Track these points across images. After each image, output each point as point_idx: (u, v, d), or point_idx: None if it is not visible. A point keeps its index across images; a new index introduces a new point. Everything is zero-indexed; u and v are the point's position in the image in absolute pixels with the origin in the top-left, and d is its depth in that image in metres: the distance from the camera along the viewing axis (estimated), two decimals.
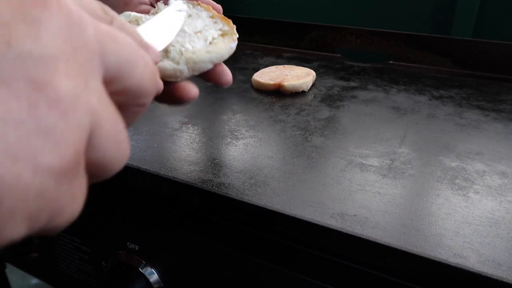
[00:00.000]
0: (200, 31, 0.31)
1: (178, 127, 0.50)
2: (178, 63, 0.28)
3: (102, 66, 0.16)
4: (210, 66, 0.30)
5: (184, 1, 0.35)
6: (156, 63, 0.21)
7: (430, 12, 0.81)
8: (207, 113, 0.54)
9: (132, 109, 0.19)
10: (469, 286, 0.28)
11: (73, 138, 0.14)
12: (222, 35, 0.32)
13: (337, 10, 0.89)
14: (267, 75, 0.64)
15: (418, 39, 0.74)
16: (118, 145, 0.17)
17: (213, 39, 0.31)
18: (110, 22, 0.19)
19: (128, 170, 0.40)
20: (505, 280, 0.27)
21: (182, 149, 0.44)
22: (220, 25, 0.33)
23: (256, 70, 0.67)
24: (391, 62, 0.77)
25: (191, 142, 0.46)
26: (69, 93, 0.14)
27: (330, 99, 0.59)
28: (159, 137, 0.47)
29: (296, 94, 0.60)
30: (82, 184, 0.16)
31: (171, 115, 0.53)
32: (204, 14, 0.34)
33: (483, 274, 0.27)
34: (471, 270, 0.28)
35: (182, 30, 0.30)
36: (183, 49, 0.28)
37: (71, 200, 0.15)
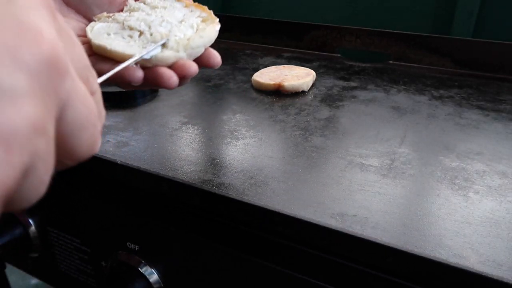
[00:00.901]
0: (183, 20, 0.33)
1: (178, 127, 0.50)
2: (177, 51, 0.31)
3: (58, 114, 0.16)
4: (203, 50, 0.32)
5: None
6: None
7: (430, 12, 0.81)
8: (207, 113, 0.54)
9: (63, 161, 0.19)
10: (469, 286, 0.28)
11: (7, 178, 0.14)
12: (203, 20, 0.34)
13: (337, 10, 0.89)
14: (267, 75, 0.64)
15: (418, 39, 0.74)
16: (41, 186, 0.17)
17: (198, 26, 0.33)
18: (87, 82, 0.19)
19: (128, 170, 0.40)
20: (505, 280, 0.27)
21: (182, 149, 0.44)
22: (197, 12, 0.35)
23: (256, 70, 0.67)
24: (391, 62, 0.77)
25: (191, 142, 0.46)
26: (24, 133, 0.14)
27: (330, 99, 0.59)
28: (159, 137, 0.47)
29: (296, 94, 0.60)
30: None
31: (171, 115, 0.53)
32: (178, 5, 0.36)
33: (483, 274, 0.27)
34: (471, 270, 0.28)
35: (167, 22, 0.33)
36: (177, 38, 0.31)
37: None
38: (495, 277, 0.27)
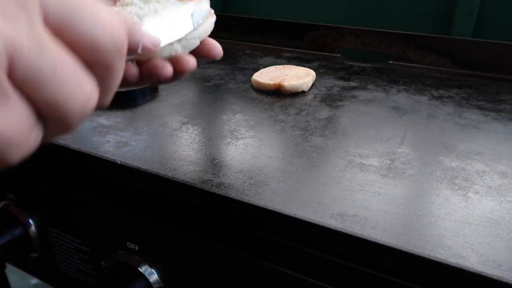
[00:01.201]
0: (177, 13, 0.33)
1: (178, 127, 0.50)
2: (171, 43, 0.30)
3: (41, 8, 0.16)
4: (198, 42, 0.32)
5: None
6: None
7: (430, 12, 0.81)
8: (207, 113, 0.54)
9: (98, 71, 0.19)
10: (469, 286, 0.28)
11: None
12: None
13: (337, 10, 0.89)
14: (267, 75, 0.64)
15: (418, 39, 0.74)
16: (63, 83, 0.17)
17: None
18: None
19: (128, 170, 0.40)
20: (505, 280, 0.27)
21: (182, 149, 0.44)
22: (191, 5, 0.34)
23: (256, 70, 0.68)
24: (391, 62, 0.77)
25: (191, 142, 0.46)
26: None
27: (330, 99, 0.59)
28: (159, 137, 0.47)
29: (296, 94, 0.60)
30: (16, 108, 0.16)
31: (171, 115, 0.53)
32: None
33: (483, 274, 0.27)
34: (471, 270, 0.28)
35: (161, 15, 0.32)
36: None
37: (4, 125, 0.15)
38: (494, 277, 0.27)
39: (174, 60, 0.30)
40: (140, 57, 0.29)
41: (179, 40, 0.30)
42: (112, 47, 0.19)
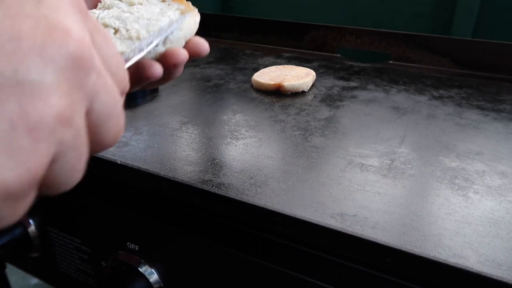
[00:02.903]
0: (160, 15, 0.32)
1: (178, 127, 0.50)
2: (156, 45, 0.29)
3: (87, 107, 0.18)
4: (183, 43, 0.31)
5: None
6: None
7: (430, 12, 0.81)
8: (207, 113, 0.54)
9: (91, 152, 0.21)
10: (469, 286, 0.28)
11: (35, 164, 0.15)
12: (181, 13, 0.33)
13: (337, 10, 0.89)
14: (267, 75, 0.64)
15: (418, 39, 0.74)
16: (74, 173, 0.18)
17: (176, 19, 0.32)
18: (116, 75, 0.20)
19: (128, 170, 0.40)
20: (505, 280, 0.27)
21: (182, 149, 0.44)
22: (175, 6, 0.34)
23: (256, 70, 0.68)
24: (391, 62, 0.77)
25: (191, 142, 0.46)
26: (50, 123, 0.15)
27: (330, 99, 0.59)
28: (159, 137, 0.47)
29: (296, 94, 0.60)
30: (27, 204, 0.17)
31: (171, 115, 0.53)
32: (154, 0, 0.34)
33: (483, 274, 0.27)
34: (471, 270, 0.28)
35: (143, 18, 0.31)
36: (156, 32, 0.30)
37: (9, 216, 0.16)
38: (494, 277, 0.27)
39: (164, 56, 0.29)
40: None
41: (164, 43, 0.30)
42: (110, 145, 0.21)
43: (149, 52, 0.29)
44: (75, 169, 0.18)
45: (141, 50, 0.29)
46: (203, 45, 0.32)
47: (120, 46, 0.29)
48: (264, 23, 0.88)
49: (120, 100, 0.20)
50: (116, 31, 0.31)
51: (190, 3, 0.34)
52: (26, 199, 0.16)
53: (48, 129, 0.15)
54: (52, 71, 0.15)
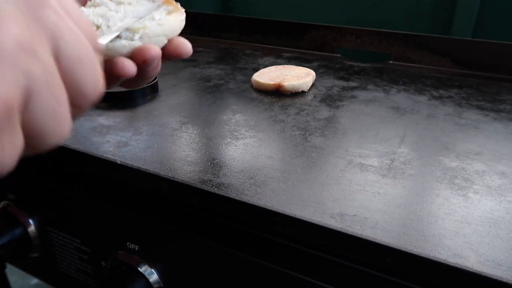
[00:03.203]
0: (145, 16, 0.31)
1: (178, 127, 0.50)
2: (132, 39, 0.29)
3: (54, 47, 0.18)
4: (165, 41, 0.30)
5: None
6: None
7: (430, 12, 0.81)
8: (207, 113, 0.54)
9: (73, 109, 0.21)
10: (468, 286, 0.28)
11: (5, 91, 0.16)
12: (168, 13, 0.32)
13: (337, 10, 0.89)
14: (267, 75, 0.64)
15: (418, 39, 0.74)
16: (56, 118, 0.18)
17: (159, 19, 0.31)
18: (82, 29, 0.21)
19: (128, 170, 0.40)
20: (504, 280, 0.27)
21: (182, 149, 0.44)
22: (163, 7, 0.33)
23: (256, 70, 0.68)
24: (391, 62, 0.77)
25: (191, 142, 0.46)
26: (12, 50, 0.16)
27: (330, 99, 0.59)
28: (159, 137, 0.47)
29: (296, 94, 0.60)
30: (14, 141, 0.17)
31: (171, 115, 0.53)
32: (143, 1, 0.33)
33: (482, 274, 0.27)
34: (471, 270, 0.28)
35: (126, 16, 0.30)
36: (129, 27, 0.29)
37: None
38: (494, 277, 0.27)
39: (134, 52, 0.28)
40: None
41: (141, 38, 0.29)
42: (94, 98, 0.21)
43: (124, 46, 0.28)
44: (56, 113, 0.18)
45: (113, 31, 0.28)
46: (185, 45, 0.31)
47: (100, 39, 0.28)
48: (264, 23, 0.88)
49: (91, 50, 0.20)
50: (98, 27, 0.29)
51: (178, 4, 0.33)
52: (7, 134, 0.16)
53: (9, 55, 0.16)
54: (4, 1, 0.16)
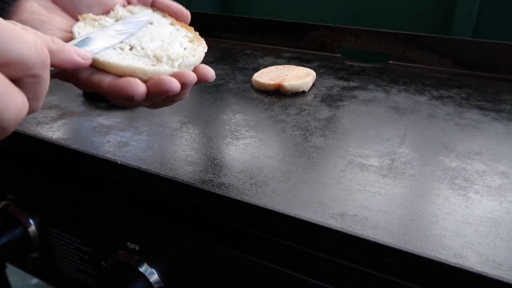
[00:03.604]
0: (171, 38, 0.36)
1: (178, 127, 0.50)
2: (173, 66, 0.33)
3: None
4: (192, 68, 0.35)
5: (149, 9, 0.39)
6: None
7: (430, 12, 0.81)
8: (207, 113, 0.54)
9: (26, 80, 0.22)
10: (469, 286, 0.28)
11: None
12: (190, 41, 0.37)
13: (337, 10, 0.89)
14: (267, 75, 0.64)
15: (418, 39, 0.74)
16: None
17: (186, 46, 0.36)
18: None
19: (128, 170, 0.40)
20: (505, 280, 0.27)
21: (182, 149, 0.44)
22: (183, 32, 0.37)
23: (256, 70, 0.67)
24: (391, 62, 0.77)
25: (191, 142, 0.46)
26: None
27: (330, 99, 0.59)
28: (159, 137, 0.47)
29: (296, 94, 0.60)
30: None
31: (171, 115, 0.53)
32: (164, 21, 0.38)
33: (483, 274, 0.27)
34: (471, 270, 0.28)
35: (156, 39, 0.35)
36: (172, 55, 0.34)
37: None
38: (495, 277, 0.27)
39: (176, 75, 0.33)
40: (143, 77, 0.32)
41: (179, 65, 0.33)
42: (37, 61, 0.22)
43: (167, 71, 0.33)
44: None
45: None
46: (209, 72, 0.36)
47: (138, 62, 0.33)
48: (264, 23, 0.88)
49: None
50: (132, 47, 0.34)
51: (197, 33, 0.38)
52: None
53: None
54: None
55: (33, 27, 0.28)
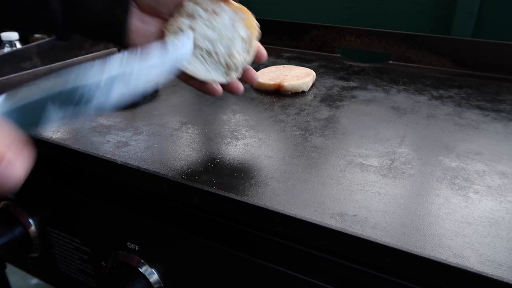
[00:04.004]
0: (233, 32, 0.40)
1: (178, 127, 0.50)
2: (237, 70, 0.41)
3: None
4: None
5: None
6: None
7: (430, 12, 0.81)
8: (207, 113, 0.54)
9: None
10: (469, 286, 0.28)
11: None
12: (245, 23, 0.40)
13: (337, 10, 0.89)
14: (267, 75, 0.64)
15: (418, 39, 0.74)
16: None
17: (246, 39, 0.40)
18: None
19: (128, 170, 0.40)
20: (505, 280, 0.27)
21: (182, 149, 0.44)
22: (239, 14, 0.40)
23: (256, 70, 0.67)
24: (390, 62, 0.77)
25: (191, 142, 0.46)
26: None
27: (330, 99, 0.59)
28: (159, 137, 0.47)
29: (296, 94, 0.60)
30: None
31: (171, 115, 0.53)
32: (225, 8, 0.40)
33: (483, 274, 0.27)
34: (471, 270, 0.28)
35: (221, 36, 0.40)
36: (237, 62, 0.40)
37: None
38: (495, 277, 0.27)
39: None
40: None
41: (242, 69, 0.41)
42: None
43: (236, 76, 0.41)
44: None
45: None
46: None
47: (214, 73, 0.40)
48: (264, 23, 0.87)
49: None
50: (209, 53, 0.40)
51: (250, 13, 0.41)
52: None
53: None
54: None
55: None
